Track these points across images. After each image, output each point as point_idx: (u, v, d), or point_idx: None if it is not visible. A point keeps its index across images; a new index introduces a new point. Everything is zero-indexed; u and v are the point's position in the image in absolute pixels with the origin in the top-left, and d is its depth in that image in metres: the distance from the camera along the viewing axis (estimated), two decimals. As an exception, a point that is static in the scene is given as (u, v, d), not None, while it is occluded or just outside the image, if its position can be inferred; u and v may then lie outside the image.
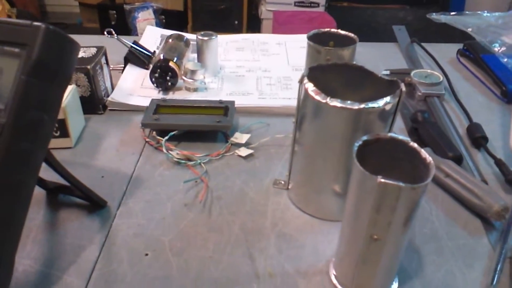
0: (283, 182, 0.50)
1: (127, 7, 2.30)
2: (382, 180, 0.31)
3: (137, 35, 2.04)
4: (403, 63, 0.80)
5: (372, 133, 0.36)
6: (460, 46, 0.83)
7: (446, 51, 0.84)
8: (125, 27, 2.26)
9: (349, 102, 0.40)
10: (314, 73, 0.44)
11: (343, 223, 0.38)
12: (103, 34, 0.74)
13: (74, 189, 0.46)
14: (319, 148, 0.44)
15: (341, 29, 0.57)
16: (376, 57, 0.78)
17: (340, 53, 0.52)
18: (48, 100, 0.37)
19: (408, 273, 0.41)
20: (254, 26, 2.42)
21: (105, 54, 0.64)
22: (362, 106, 0.40)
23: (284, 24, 2.17)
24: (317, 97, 0.41)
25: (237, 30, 2.40)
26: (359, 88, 0.46)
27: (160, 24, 2.30)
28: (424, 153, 0.35)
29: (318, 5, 2.32)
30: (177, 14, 2.42)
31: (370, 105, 0.40)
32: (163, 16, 2.35)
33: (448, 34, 1.13)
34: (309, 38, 0.54)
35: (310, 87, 0.42)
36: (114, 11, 2.42)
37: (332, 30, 0.55)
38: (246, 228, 0.45)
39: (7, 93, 0.34)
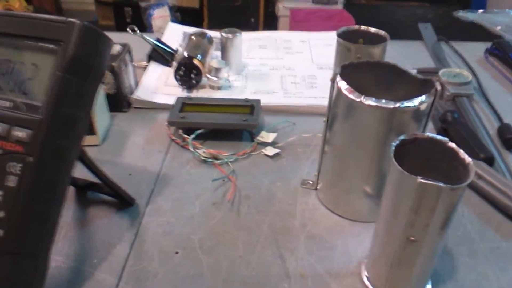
0: (311, 182, 0.50)
1: (142, 4, 2.31)
2: (422, 180, 0.31)
3: (152, 32, 2.05)
4: (429, 61, 0.78)
5: (410, 133, 0.36)
6: (487, 45, 0.81)
7: (473, 50, 0.82)
8: (141, 24, 2.26)
9: (383, 100, 0.39)
10: (346, 71, 0.43)
11: (377, 224, 0.37)
12: (118, 31, 0.74)
13: (103, 187, 0.46)
14: (350, 148, 0.43)
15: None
16: (402, 55, 0.76)
17: (371, 51, 0.51)
18: (83, 96, 0.37)
19: (440, 276, 0.40)
20: (271, 23, 2.41)
21: (129, 51, 0.64)
22: (397, 105, 0.39)
23: (301, 22, 2.15)
24: (351, 96, 0.40)
25: (253, 27, 2.39)
26: (392, 87, 0.45)
27: (175, 21, 2.30)
28: (463, 153, 0.34)
29: (336, 2, 2.29)
30: (192, 11, 2.42)
31: (405, 104, 0.39)
32: (178, 13, 2.35)
33: (470, 32, 1.11)
34: (339, 35, 0.53)
35: (343, 85, 0.41)
36: (130, 8, 2.43)
37: (362, 27, 0.55)
38: (275, 228, 0.44)
39: (43, 89, 0.34)
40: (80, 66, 0.35)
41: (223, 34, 0.69)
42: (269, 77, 0.71)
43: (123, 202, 0.47)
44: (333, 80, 0.43)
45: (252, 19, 2.40)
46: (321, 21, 2.18)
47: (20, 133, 0.34)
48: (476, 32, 0.98)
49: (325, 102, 0.61)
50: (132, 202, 0.47)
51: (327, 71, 0.72)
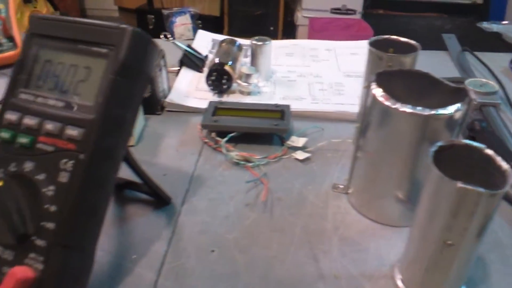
0: (342, 186, 0.51)
1: (165, 12, 2.35)
2: (462, 185, 0.32)
3: (174, 39, 2.08)
4: (454, 72, 0.79)
5: (447, 140, 0.36)
6: (510, 56, 0.82)
7: (498, 60, 0.83)
8: (163, 31, 2.30)
9: (419, 108, 0.40)
10: (379, 79, 0.44)
11: (413, 227, 0.38)
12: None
13: (141, 185, 0.47)
14: (384, 154, 0.44)
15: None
16: (426, 65, 0.76)
17: (402, 60, 0.52)
18: (131, 99, 0.38)
19: (474, 281, 0.41)
20: (290, 32, 2.43)
21: (163, 56, 0.66)
22: (433, 112, 0.40)
23: (320, 31, 2.17)
24: (387, 103, 0.41)
25: (272, 36, 2.40)
26: (423, 96, 0.46)
27: (196, 29, 2.34)
28: (500, 160, 0.35)
29: (354, 12, 2.31)
30: (213, 19, 2.45)
31: (440, 111, 0.40)
32: (199, 21, 2.39)
33: (489, 43, 1.11)
34: (371, 44, 0.54)
35: (378, 92, 0.42)
36: (152, 16, 2.48)
37: (392, 36, 0.56)
38: (308, 230, 0.46)
39: (94, 91, 0.36)
40: (130, 69, 0.37)
41: (253, 41, 0.71)
42: (296, 84, 0.72)
43: (159, 201, 0.48)
44: (367, 88, 0.44)
45: (272, 28, 2.43)
46: (339, 30, 2.19)
47: (73, 131, 0.35)
48: (496, 43, 0.98)
49: (353, 108, 0.62)
50: (168, 201, 0.48)
51: (354, 79, 0.73)
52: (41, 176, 0.35)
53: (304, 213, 0.48)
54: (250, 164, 0.54)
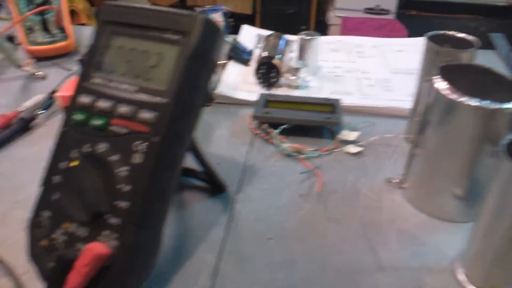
0: (396, 181, 0.50)
1: (198, 9, 2.38)
2: (538, 178, 0.31)
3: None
4: (504, 71, 0.77)
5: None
6: None
7: (548, 61, 0.81)
8: (195, 28, 2.33)
9: (486, 101, 0.40)
10: (443, 73, 0.44)
11: (479, 221, 0.38)
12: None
13: (199, 172, 0.48)
14: (444, 150, 0.44)
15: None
16: (478, 62, 0.76)
17: (460, 55, 0.52)
18: (200, 85, 0.39)
19: (536, 279, 0.40)
20: (321, 31, 2.42)
21: (213, 49, 0.67)
22: (499, 106, 0.40)
23: (352, 31, 2.15)
24: (452, 96, 0.41)
25: (303, 35, 2.41)
26: (485, 91, 0.45)
27: (228, 27, 2.36)
28: None
29: (388, 12, 2.29)
30: (245, 17, 2.46)
31: (506, 106, 0.40)
32: (232, 19, 2.40)
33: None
34: (428, 38, 0.54)
35: (442, 86, 0.42)
36: (185, 13, 2.51)
37: (449, 32, 0.55)
38: (364, 222, 0.46)
39: (166, 76, 0.37)
40: (201, 56, 0.38)
41: (302, 36, 0.71)
42: (344, 79, 0.72)
43: (215, 189, 0.49)
44: (428, 81, 0.44)
45: (303, 27, 2.42)
46: (372, 30, 2.18)
47: (146, 115, 0.36)
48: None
49: (404, 104, 0.62)
50: (224, 189, 0.49)
51: (403, 76, 0.73)
52: (114, 157, 0.36)
53: (359, 205, 0.48)
54: (303, 156, 0.54)
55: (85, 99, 0.39)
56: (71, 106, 0.39)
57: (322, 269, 0.41)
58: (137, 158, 0.36)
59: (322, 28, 2.43)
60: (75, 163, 0.36)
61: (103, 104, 0.38)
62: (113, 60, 0.40)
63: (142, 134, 0.36)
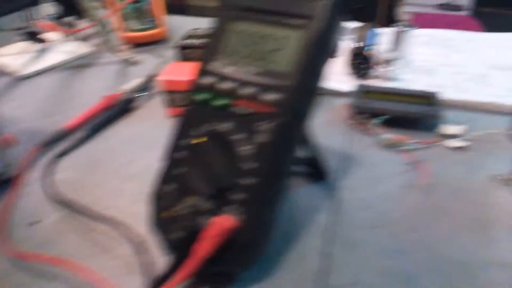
0: (504, 178, 0.49)
1: None
2: None
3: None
4: None
5: None
6: None
7: None
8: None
9: None
10: None
11: None
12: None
13: (302, 157, 0.49)
14: None
15: None
16: None
17: None
18: (319, 69, 0.40)
19: None
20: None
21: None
22: None
23: (424, 27, 2.08)
24: None
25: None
26: None
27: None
28: None
29: (462, 8, 2.19)
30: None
31: None
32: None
33: None
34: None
35: None
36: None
37: None
38: (473, 217, 0.44)
39: (290, 59, 0.38)
40: (323, 41, 0.39)
41: (394, 28, 0.70)
42: (438, 73, 0.70)
43: (317, 175, 0.50)
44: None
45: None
46: (445, 27, 2.09)
47: (271, 96, 0.37)
48: None
49: (505, 100, 0.60)
50: (325, 177, 0.50)
51: (502, 72, 0.69)
52: (237, 136, 0.38)
53: (466, 199, 0.47)
54: (403, 148, 0.53)
55: (208, 80, 0.41)
56: (194, 87, 0.41)
57: (436, 260, 0.40)
58: (262, 137, 0.37)
59: (391, 24, 2.36)
60: (202, 140, 0.38)
61: (226, 85, 0.39)
62: (235, 44, 0.41)
63: (266, 115, 0.37)
